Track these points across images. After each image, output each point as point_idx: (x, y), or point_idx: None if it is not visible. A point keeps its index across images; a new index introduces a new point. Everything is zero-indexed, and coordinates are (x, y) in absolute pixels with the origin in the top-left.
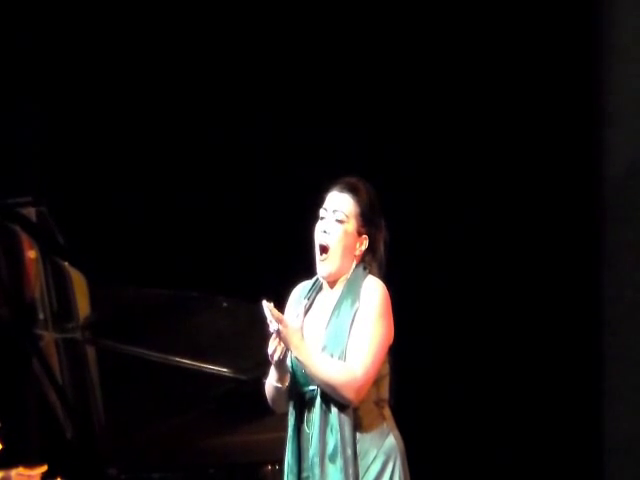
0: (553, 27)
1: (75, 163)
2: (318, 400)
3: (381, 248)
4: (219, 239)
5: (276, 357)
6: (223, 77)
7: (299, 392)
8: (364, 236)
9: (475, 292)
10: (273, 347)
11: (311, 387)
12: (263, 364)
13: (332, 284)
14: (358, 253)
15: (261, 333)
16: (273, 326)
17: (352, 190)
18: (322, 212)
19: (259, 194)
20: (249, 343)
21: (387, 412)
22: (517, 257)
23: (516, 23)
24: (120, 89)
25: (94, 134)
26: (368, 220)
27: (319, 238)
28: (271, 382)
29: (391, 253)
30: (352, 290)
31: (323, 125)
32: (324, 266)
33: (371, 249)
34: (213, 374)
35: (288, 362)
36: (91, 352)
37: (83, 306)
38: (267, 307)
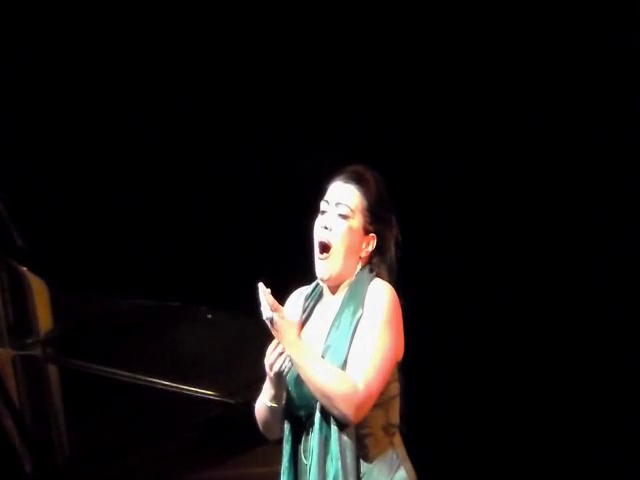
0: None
1: (40, 161)
2: (317, 425)
3: (391, 249)
4: (201, 241)
5: (276, 368)
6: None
7: (295, 415)
8: (371, 235)
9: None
10: (274, 356)
11: (309, 408)
12: (254, 385)
13: (333, 290)
14: (364, 255)
15: (252, 349)
16: (267, 313)
17: (358, 180)
18: (323, 205)
19: (248, 187)
20: (238, 361)
21: (397, 440)
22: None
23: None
24: (87, 88)
25: (66, 131)
26: (377, 216)
27: (319, 235)
28: (264, 401)
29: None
30: (355, 296)
31: (323, 107)
32: (324, 266)
33: (379, 250)
34: (196, 397)
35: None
36: (54, 372)
37: (44, 318)
38: (263, 291)
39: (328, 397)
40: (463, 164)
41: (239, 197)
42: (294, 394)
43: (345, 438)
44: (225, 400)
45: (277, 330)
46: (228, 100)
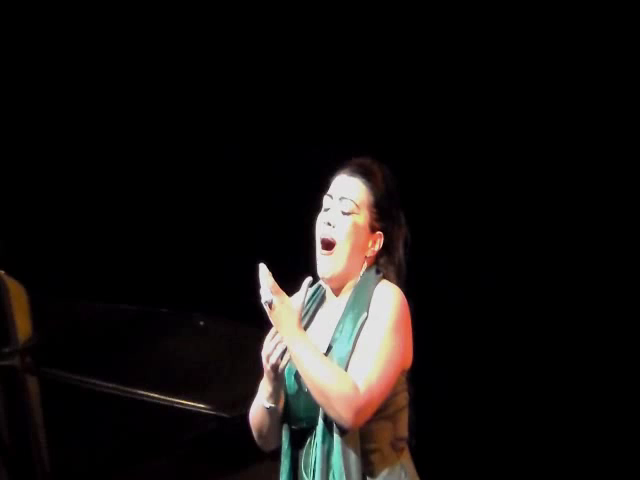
0: None
1: (19, 162)
2: (319, 437)
3: (400, 249)
4: (193, 240)
5: (273, 360)
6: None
7: (295, 427)
8: (378, 233)
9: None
10: (271, 346)
11: (310, 420)
12: (251, 398)
13: (337, 292)
14: (370, 254)
15: (248, 359)
16: (266, 296)
17: (365, 174)
18: (326, 201)
19: (244, 182)
20: (233, 372)
21: (406, 456)
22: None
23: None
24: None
25: (41, 131)
26: (384, 213)
27: (322, 232)
28: (260, 402)
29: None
30: (360, 298)
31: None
32: (327, 263)
33: (387, 249)
34: (187, 411)
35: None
36: (33, 383)
37: (23, 326)
38: (263, 272)
39: (326, 396)
40: (451, 158)
41: (234, 196)
42: (294, 403)
43: (350, 453)
44: (219, 414)
45: (276, 316)
46: (225, 96)
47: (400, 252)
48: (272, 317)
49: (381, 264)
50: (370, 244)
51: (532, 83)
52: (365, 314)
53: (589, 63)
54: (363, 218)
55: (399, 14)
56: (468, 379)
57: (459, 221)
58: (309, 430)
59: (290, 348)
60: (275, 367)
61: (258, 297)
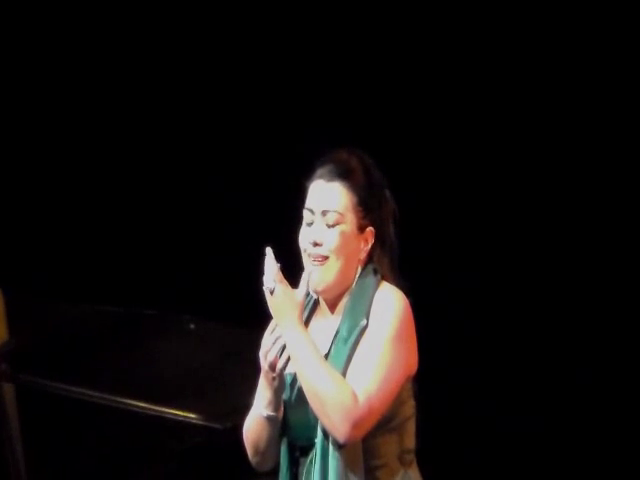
0: None
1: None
2: (319, 456)
3: (390, 230)
4: (182, 239)
5: (271, 357)
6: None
7: (293, 444)
8: (369, 229)
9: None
10: (270, 342)
11: (310, 439)
12: (245, 408)
13: (331, 302)
14: (364, 255)
15: (242, 365)
16: (269, 283)
17: (344, 174)
18: (307, 215)
19: (230, 181)
20: (226, 379)
21: (414, 470)
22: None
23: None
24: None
25: (21, 132)
26: (370, 206)
27: (310, 252)
28: (258, 411)
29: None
30: (358, 305)
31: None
32: (318, 274)
33: (379, 238)
34: (176, 422)
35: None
36: (9, 391)
37: None
38: (270, 256)
39: (321, 401)
40: (440, 157)
41: (224, 194)
42: (293, 418)
43: (352, 471)
44: (210, 425)
45: (276, 306)
46: (219, 103)
47: (391, 234)
48: (272, 307)
49: (375, 258)
50: (362, 245)
51: (523, 80)
52: (364, 321)
53: (585, 62)
54: (350, 224)
55: (391, 11)
56: (458, 382)
57: (444, 220)
58: (308, 449)
59: (288, 343)
60: (273, 366)
61: (260, 284)
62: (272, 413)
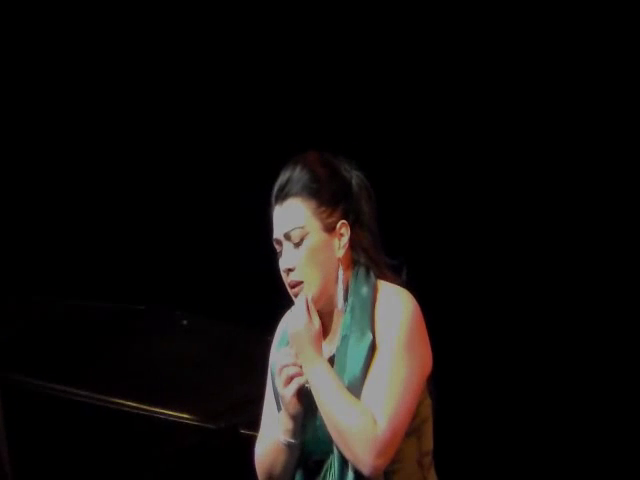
0: None
1: None
2: (336, 471)
3: (366, 210)
4: (175, 232)
5: (289, 372)
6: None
7: (307, 460)
8: (340, 223)
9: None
10: (292, 369)
11: (323, 454)
12: (239, 407)
13: (326, 316)
14: (342, 253)
15: (236, 363)
16: (300, 320)
17: (292, 190)
18: (276, 247)
19: (230, 179)
20: (220, 378)
21: (433, 475)
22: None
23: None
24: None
25: (20, 132)
26: (336, 199)
27: (287, 280)
28: (276, 437)
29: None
30: (359, 318)
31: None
32: (301, 296)
33: (357, 223)
34: (168, 422)
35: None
36: None
37: None
38: (308, 300)
39: (343, 437)
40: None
41: (218, 189)
42: (307, 434)
43: None
44: (204, 425)
45: (301, 336)
46: (218, 103)
47: (366, 211)
48: (293, 337)
49: (357, 249)
50: (337, 242)
51: (521, 80)
52: (370, 335)
53: (585, 62)
54: (315, 231)
55: (390, 11)
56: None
57: (444, 220)
58: (323, 464)
59: (310, 374)
60: (289, 391)
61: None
62: (292, 441)
